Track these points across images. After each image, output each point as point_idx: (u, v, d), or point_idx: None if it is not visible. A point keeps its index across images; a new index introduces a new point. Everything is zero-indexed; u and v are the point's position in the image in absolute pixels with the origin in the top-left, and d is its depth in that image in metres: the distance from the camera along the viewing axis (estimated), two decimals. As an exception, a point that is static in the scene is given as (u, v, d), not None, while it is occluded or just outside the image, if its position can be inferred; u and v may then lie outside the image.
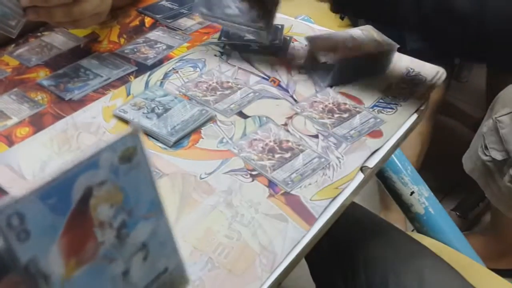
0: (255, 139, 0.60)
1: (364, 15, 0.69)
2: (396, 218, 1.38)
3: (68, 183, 0.25)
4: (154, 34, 0.80)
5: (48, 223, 0.25)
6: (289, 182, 0.54)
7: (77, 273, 0.27)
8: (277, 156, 0.57)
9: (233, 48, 0.76)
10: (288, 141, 0.60)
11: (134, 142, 0.27)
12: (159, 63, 0.73)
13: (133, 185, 0.28)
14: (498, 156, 1.09)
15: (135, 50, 0.76)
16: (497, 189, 1.12)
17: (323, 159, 0.57)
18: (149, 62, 0.73)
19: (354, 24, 1.39)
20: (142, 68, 0.72)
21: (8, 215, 0.23)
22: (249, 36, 0.72)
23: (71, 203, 0.25)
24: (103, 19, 0.72)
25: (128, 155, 0.27)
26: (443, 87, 1.46)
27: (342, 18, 1.43)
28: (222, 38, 0.77)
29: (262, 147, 0.59)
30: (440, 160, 1.53)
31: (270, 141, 0.59)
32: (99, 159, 0.26)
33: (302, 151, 0.58)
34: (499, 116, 1.08)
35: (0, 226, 0.23)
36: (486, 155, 1.11)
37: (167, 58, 0.74)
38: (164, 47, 0.77)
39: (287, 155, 0.58)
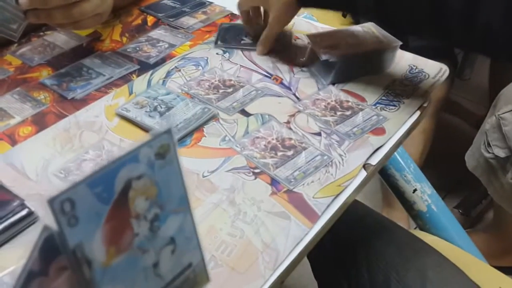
0: (258, 137, 0.60)
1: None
2: (399, 217, 1.37)
3: (112, 174, 0.26)
4: (156, 33, 0.80)
5: (94, 210, 0.26)
6: (292, 180, 0.54)
7: (116, 261, 0.28)
8: (279, 154, 0.57)
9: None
10: (290, 139, 0.60)
11: (168, 140, 0.29)
12: (161, 61, 0.73)
13: (165, 181, 0.29)
14: (501, 153, 1.08)
15: (138, 48, 0.76)
16: (500, 186, 1.12)
17: (325, 157, 0.57)
18: (152, 61, 0.73)
19: (357, 22, 1.39)
20: (145, 66, 0.72)
21: (62, 201, 0.24)
22: (246, 40, 0.77)
23: (114, 194, 0.27)
24: (105, 19, 0.72)
25: (162, 152, 0.29)
26: (447, 84, 1.46)
27: (344, 16, 1.43)
28: (219, 42, 0.77)
29: (264, 145, 0.59)
30: (443, 158, 1.53)
31: (273, 139, 0.59)
32: (139, 154, 0.27)
33: (304, 148, 0.58)
34: (502, 113, 1.08)
35: (54, 211, 0.24)
36: (489, 152, 1.11)
37: (169, 57, 0.74)
38: (166, 45, 0.77)
39: (290, 153, 0.58)
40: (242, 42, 0.76)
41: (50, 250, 0.26)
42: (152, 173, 0.28)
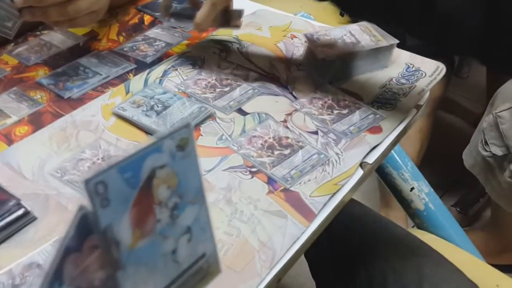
0: (255, 136, 0.60)
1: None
2: (397, 216, 1.38)
3: (139, 162, 0.28)
4: (153, 32, 0.80)
5: (123, 194, 0.28)
6: (289, 179, 0.54)
7: (140, 244, 0.30)
8: (276, 152, 0.57)
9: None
10: (287, 137, 0.60)
11: (188, 134, 0.31)
12: (158, 60, 0.73)
13: (184, 172, 0.31)
14: (498, 151, 1.08)
15: (134, 48, 0.76)
16: (497, 184, 1.12)
17: (322, 155, 0.57)
18: (149, 60, 0.73)
19: (354, 21, 1.39)
20: (141, 65, 0.72)
21: (96, 182, 0.26)
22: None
23: (140, 180, 0.29)
24: (101, 17, 0.71)
25: (182, 145, 0.31)
26: (443, 84, 1.46)
27: (342, 15, 1.43)
28: (171, 20, 0.73)
29: (261, 144, 0.59)
30: (441, 156, 1.53)
31: (270, 138, 0.59)
32: (163, 145, 0.29)
33: (301, 147, 0.58)
34: (499, 112, 1.08)
35: (89, 192, 0.26)
36: (486, 151, 1.11)
37: (166, 56, 0.74)
38: (164, 44, 0.77)
39: (287, 151, 0.58)
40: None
41: (85, 228, 0.28)
42: (174, 163, 0.30)
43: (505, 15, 0.51)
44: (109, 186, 0.27)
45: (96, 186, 0.26)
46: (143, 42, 0.78)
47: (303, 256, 0.77)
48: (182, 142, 0.31)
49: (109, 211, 0.27)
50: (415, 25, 0.57)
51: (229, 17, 0.69)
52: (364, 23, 0.74)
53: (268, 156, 0.57)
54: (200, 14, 0.64)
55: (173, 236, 0.32)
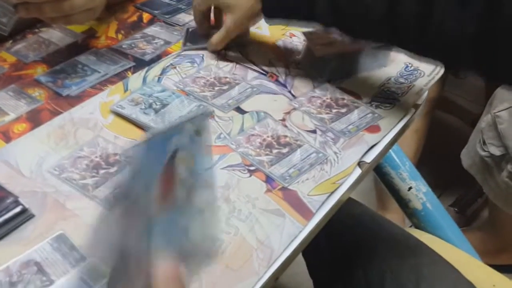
0: (253, 135, 0.60)
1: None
2: (394, 218, 1.38)
3: (165, 141, 0.32)
4: (152, 30, 0.80)
5: (151, 167, 0.32)
6: (287, 177, 0.54)
7: (162, 215, 0.33)
8: (274, 151, 0.58)
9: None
10: (286, 136, 0.60)
11: (205, 121, 0.34)
12: (157, 58, 0.73)
13: (199, 156, 0.34)
14: (496, 151, 1.09)
15: (133, 45, 0.76)
16: (495, 184, 1.13)
17: (320, 154, 0.57)
18: (147, 58, 0.73)
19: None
20: (140, 63, 0.72)
21: (129, 155, 0.31)
22: None
23: (165, 157, 0.32)
24: (97, 15, 0.71)
25: (200, 130, 0.33)
26: (439, 84, 1.46)
27: None
28: (187, 44, 0.75)
29: (260, 143, 0.59)
30: (439, 156, 1.53)
31: (268, 136, 0.59)
32: (184, 128, 0.33)
33: (299, 146, 0.58)
34: (498, 112, 1.09)
35: (126, 163, 0.32)
36: (484, 151, 1.12)
37: (165, 54, 0.74)
38: (162, 42, 0.77)
39: (285, 150, 0.58)
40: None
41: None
42: (192, 146, 0.33)
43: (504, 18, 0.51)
44: (141, 159, 0.31)
45: (129, 159, 0.31)
46: (142, 39, 0.78)
47: (301, 255, 0.77)
48: (200, 128, 0.33)
49: (139, 181, 0.31)
50: (413, 43, 0.58)
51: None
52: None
53: (267, 154, 0.57)
54: (216, 39, 0.71)
55: (188, 213, 0.34)
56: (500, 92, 1.12)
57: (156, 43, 0.77)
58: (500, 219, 1.25)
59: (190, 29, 0.79)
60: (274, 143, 0.59)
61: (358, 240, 0.77)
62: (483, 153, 1.12)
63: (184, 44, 0.75)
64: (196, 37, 0.76)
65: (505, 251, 1.27)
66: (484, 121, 1.12)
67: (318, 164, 0.56)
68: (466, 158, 1.20)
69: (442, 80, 1.48)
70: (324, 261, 0.81)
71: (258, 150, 0.58)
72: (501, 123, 1.07)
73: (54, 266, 0.44)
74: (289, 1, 0.64)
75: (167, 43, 0.77)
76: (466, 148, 1.22)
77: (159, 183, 0.32)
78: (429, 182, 0.99)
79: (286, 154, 0.57)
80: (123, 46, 0.76)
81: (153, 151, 0.32)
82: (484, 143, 1.11)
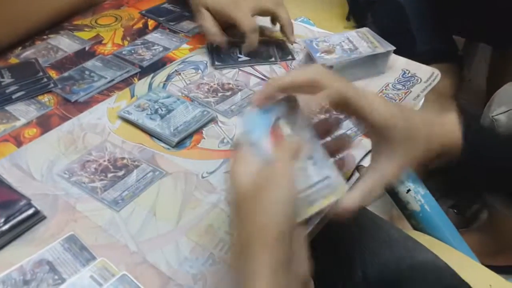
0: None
1: None
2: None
3: (270, 110, 0.45)
4: (152, 36, 0.82)
5: (263, 125, 0.45)
6: None
7: None
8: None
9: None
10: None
11: (293, 99, 0.46)
12: (154, 65, 0.75)
13: (296, 122, 0.46)
14: (495, 154, 1.10)
15: (132, 51, 0.78)
16: (494, 186, 1.14)
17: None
18: (145, 64, 0.75)
19: (359, 26, 1.40)
20: (142, 69, 0.74)
21: (249, 115, 0.45)
22: (242, 56, 0.77)
23: (272, 120, 0.45)
24: None
25: (293, 108, 0.46)
26: (452, 85, 1.44)
27: (348, 19, 1.44)
28: (216, 63, 0.76)
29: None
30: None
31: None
32: (280, 106, 0.46)
33: None
34: (496, 115, 1.10)
35: (245, 122, 0.45)
36: (483, 153, 1.13)
37: (162, 60, 0.76)
38: (161, 49, 0.79)
39: None
40: (240, 59, 0.77)
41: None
42: (288, 118, 0.46)
43: None
44: (256, 119, 0.44)
45: (247, 118, 0.44)
46: (142, 46, 0.80)
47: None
48: (292, 107, 0.46)
49: (256, 133, 0.44)
50: None
51: None
52: (362, 30, 0.76)
53: None
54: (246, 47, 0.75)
55: (300, 158, 0.43)
56: (498, 96, 1.13)
57: (155, 49, 0.79)
58: (498, 221, 1.27)
59: (211, 47, 0.79)
60: None
61: (357, 240, 0.79)
62: (481, 156, 1.13)
63: (213, 64, 0.75)
64: (223, 55, 0.77)
65: (502, 252, 1.28)
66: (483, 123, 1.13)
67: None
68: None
69: (456, 81, 1.46)
70: (324, 262, 0.83)
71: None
72: (499, 126, 1.08)
73: (65, 265, 0.46)
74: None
75: (166, 49, 0.79)
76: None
77: (271, 136, 0.44)
78: (429, 184, 1.00)
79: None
80: (123, 52, 0.78)
81: (265, 115, 0.45)
82: (482, 146, 1.13)
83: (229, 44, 0.77)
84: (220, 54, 0.77)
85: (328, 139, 0.50)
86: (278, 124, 0.45)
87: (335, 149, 0.49)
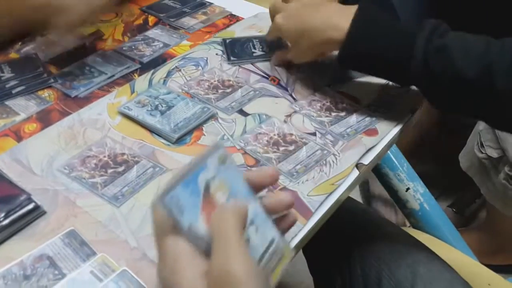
0: (260, 133, 0.62)
1: (370, 71, 0.66)
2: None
3: (195, 178, 0.36)
4: (153, 32, 0.82)
5: (191, 202, 0.36)
6: (294, 173, 0.57)
7: None
8: (281, 148, 0.60)
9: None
10: (291, 134, 0.62)
11: (224, 152, 0.39)
12: (155, 61, 0.75)
13: (231, 179, 0.39)
14: (494, 153, 1.10)
15: (133, 47, 0.78)
16: (493, 186, 1.14)
17: (325, 151, 0.60)
18: (145, 60, 0.75)
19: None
20: (143, 65, 0.74)
21: (170, 196, 0.34)
22: (257, 51, 0.77)
23: (200, 191, 0.37)
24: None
25: (222, 159, 0.38)
26: None
27: None
28: (232, 58, 0.75)
29: (267, 141, 0.61)
30: (438, 157, 1.55)
31: (275, 135, 0.62)
32: (207, 163, 0.37)
33: (305, 144, 0.61)
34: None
35: (166, 207, 0.34)
36: (482, 153, 1.13)
37: (163, 56, 0.76)
38: (161, 45, 0.79)
39: (291, 147, 0.60)
40: (254, 54, 0.77)
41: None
42: (220, 174, 0.38)
43: None
44: (180, 198, 0.35)
45: (170, 199, 0.34)
46: (142, 42, 0.80)
47: (301, 254, 0.79)
48: (221, 158, 0.38)
49: (185, 215, 0.35)
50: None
51: None
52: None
53: (274, 152, 0.59)
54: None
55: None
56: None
57: (155, 45, 0.79)
58: (497, 220, 1.27)
59: (227, 42, 0.79)
60: (281, 141, 0.61)
61: (357, 238, 0.79)
62: (481, 155, 1.14)
63: (229, 59, 0.75)
64: (238, 50, 0.77)
65: (501, 251, 1.29)
66: (482, 123, 1.14)
67: (323, 160, 0.59)
68: (464, 160, 1.22)
69: None
70: (324, 259, 0.83)
71: (266, 147, 0.60)
72: None
73: (65, 260, 0.46)
74: (379, 53, 0.61)
75: (166, 45, 0.79)
76: (464, 150, 1.24)
77: (204, 212, 0.36)
78: (428, 183, 1.01)
79: (292, 151, 0.59)
80: (124, 48, 0.78)
81: (188, 189, 0.36)
82: (482, 145, 1.13)
83: (244, 39, 0.77)
84: (235, 49, 0.77)
85: (264, 193, 0.43)
86: (209, 193, 0.37)
87: (273, 206, 0.42)
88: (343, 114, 0.66)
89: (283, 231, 0.43)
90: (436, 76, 0.57)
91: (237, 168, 0.40)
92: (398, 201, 0.98)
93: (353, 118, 0.65)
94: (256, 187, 0.41)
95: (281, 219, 0.43)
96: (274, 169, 0.42)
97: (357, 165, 0.59)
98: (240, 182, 0.40)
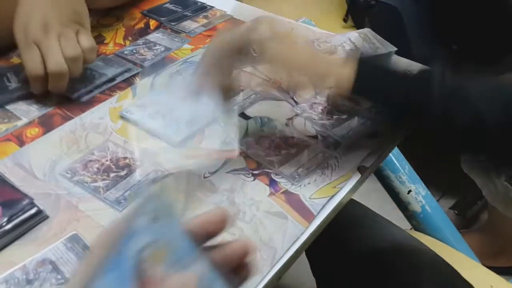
0: (262, 136, 0.62)
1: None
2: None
3: (123, 254, 0.27)
4: (154, 36, 0.82)
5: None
6: (296, 176, 0.57)
7: None
8: (283, 151, 0.60)
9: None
10: (293, 137, 0.62)
11: (157, 203, 0.29)
12: (156, 64, 0.75)
13: (169, 239, 0.30)
14: (495, 155, 1.10)
15: (134, 51, 0.78)
16: (494, 188, 1.14)
17: (327, 154, 0.60)
18: (147, 64, 0.75)
19: (357, 27, 1.41)
20: (143, 69, 0.74)
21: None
22: None
23: (130, 272, 0.27)
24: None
25: (155, 215, 0.29)
26: None
27: (345, 21, 1.45)
28: None
29: (268, 144, 0.61)
30: (439, 159, 1.55)
31: (276, 138, 0.62)
32: (137, 228, 0.28)
33: (307, 146, 0.61)
34: None
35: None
36: (484, 155, 1.13)
37: (164, 60, 0.76)
38: (163, 49, 0.79)
39: (293, 150, 0.60)
40: None
41: None
42: (155, 236, 0.29)
43: None
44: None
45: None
46: (143, 46, 0.80)
47: (303, 256, 0.79)
48: (154, 214, 0.29)
49: None
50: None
51: None
52: (364, 30, 0.76)
53: (276, 155, 0.59)
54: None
55: None
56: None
57: (156, 49, 0.79)
58: (499, 222, 1.27)
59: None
60: (283, 144, 0.61)
61: (359, 240, 0.79)
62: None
63: None
64: None
65: (503, 253, 1.28)
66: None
67: (324, 162, 0.59)
68: (466, 162, 1.22)
69: None
70: (326, 261, 0.83)
71: (267, 151, 0.60)
72: None
73: (68, 264, 0.46)
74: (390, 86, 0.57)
75: (167, 49, 0.79)
76: (466, 152, 1.23)
77: None
78: (430, 185, 1.01)
79: (294, 154, 0.60)
80: (125, 52, 0.78)
81: (115, 273, 0.27)
82: (483, 146, 1.13)
83: None
84: None
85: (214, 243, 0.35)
86: (145, 269, 0.28)
87: (225, 260, 0.34)
88: (344, 117, 0.66)
89: (241, 282, 0.36)
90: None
91: (176, 220, 0.31)
92: (399, 203, 0.98)
93: (355, 121, 0.65)
94: (203, 237, 0.34)
95: (237, 271, 0.35)
96: (224, 212, 0.34)
97: (359, 168, 0.59)
98: (180, 240, 0.31)
